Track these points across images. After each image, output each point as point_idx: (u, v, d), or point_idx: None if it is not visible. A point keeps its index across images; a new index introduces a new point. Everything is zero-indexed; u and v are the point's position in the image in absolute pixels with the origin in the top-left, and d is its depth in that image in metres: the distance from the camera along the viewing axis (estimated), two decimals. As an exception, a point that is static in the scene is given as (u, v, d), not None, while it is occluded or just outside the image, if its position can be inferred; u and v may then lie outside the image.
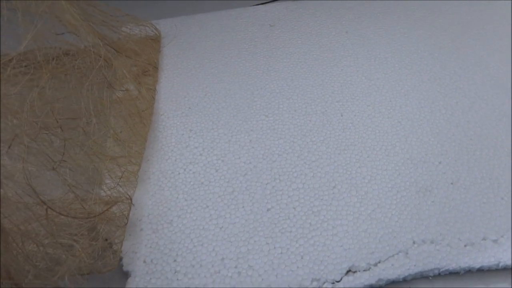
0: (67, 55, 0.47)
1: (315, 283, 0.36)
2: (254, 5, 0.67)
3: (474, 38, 0.58)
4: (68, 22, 0.45)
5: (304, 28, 0.62)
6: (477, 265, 0.37)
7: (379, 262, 0.37)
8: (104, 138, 0.45)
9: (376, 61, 0.56)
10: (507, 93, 0.51)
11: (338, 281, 0.36)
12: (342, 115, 0.49)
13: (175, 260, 0.38)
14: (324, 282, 0.36)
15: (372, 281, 0.36)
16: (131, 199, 0.41)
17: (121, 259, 0.38)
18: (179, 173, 0.44)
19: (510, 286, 0.36)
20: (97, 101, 0.44)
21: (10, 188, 0.38)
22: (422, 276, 0.37)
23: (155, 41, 0.59)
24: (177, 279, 0.36)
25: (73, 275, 0.35)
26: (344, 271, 0.37)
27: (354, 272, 0.37)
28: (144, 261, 0.38)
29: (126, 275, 0.38)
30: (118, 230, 0.39)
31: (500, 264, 0.37)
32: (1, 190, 0.35)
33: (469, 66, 0.54)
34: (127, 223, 0.40)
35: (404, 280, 0.37)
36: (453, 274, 0.37)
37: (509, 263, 0.37)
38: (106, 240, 0.38)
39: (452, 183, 0.42)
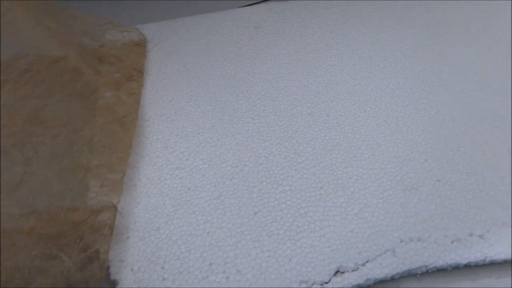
0: (28, 72, 0.46)
1: (303, 285, 0.36)
2: (239, 7, 0.67)
3: (458, 36, 0.59)
4: (25, 39, 0.44)
5: (288, 29, 0.62)
6: (464, 261, 0.37)
7: (367, 262, 0.37)
8: (86, 147, 0.44)
9: (361, 60, 0.56)
10: (490, 89, 0.51)
11: (326, 283, 0.36)
12: (328, 116, 0.49)
13: (162, 268, 0.37)
14: (313, 284, 0.36)
15: (360, 281, 0.36)
16: (116, 207, 0.41)
17: (108, 268, 0.38)
18: (165, 179, 0.44)
19: (496, 281, 0.36)
20: (73, 111, 0.44)
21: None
22: (410, 274, 0.37)
23: (140, 46, 0.59)
24: (165, 287, 0.36)
25: (60, 287, 0.35)
26: (332, 272, 0.37)
27: (342, 272, 0.37)
28: (132, 269, 0.37)
29: (113, 284, 0.37)
30: (105, 239, 0.39)
31: (487, 259, 0.37)
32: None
33: (453, 63, 0.55)
34: (112, 232, 0.39)
35: (392, 279, 0.37)
36: (441, 271, 0.37)
37: (495, 258, 0.37)
38: (93, 249, 0.38)
39: (438, 180, 0.43)
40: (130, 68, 0.54)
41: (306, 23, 0.63)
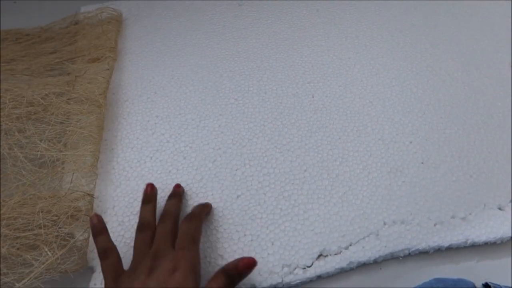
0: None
1: (286, 269, 0.35)
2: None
3: (446, 16, 0.58)
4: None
5: (274, 7, 0.60)
6: (446, 243, 0.37)
7: (350, 245, 0.37)
8: (56, 132, 0.42)
9: (348, 40, 0.55)
10: (477, 71, 0.51)
11: (309, 266, 0.36)
12: (313, 97, 0.48)
13: (142, 253, 0.36)
14: (295, 268, 0.36)
15: (343, 264, 0.36)
16: (91, 194, 0.39)
17: (86, 254, 0.37)
18: (145, 162, 0.43)
19: (477, 263, 0.37)
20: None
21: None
22: (393, 257, 0.37)
23: (115, 23, 0.56)
24: (144, 272, 0.35)
25: (42, 277, 0.34)
26: (315, 256, 0.36)
27: (325, 256, 0.36)
28: (110, 255, 0.36)
29: (91, 270, 0.36)
30: (83, 227, 0.38)
31: (468, 242, 0.37)
32: None
33: (439, 44, 0.54)
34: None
35: (375, 261, 0.37)
36: (423, 253, 0.37)
37: (477, 240, 0.37)
38: (72, 239, 0.37)
39: (422, 163, 0.42)
40: (102, 47, 0.51)
41: (292, 1, 0.61)
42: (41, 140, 0.42)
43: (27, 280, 0.33)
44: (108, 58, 0.51)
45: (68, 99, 0.46)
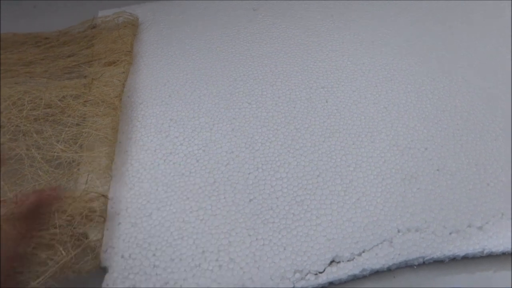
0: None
1: (297, 275, 0.35)
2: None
3: (462, 22, 0.57)
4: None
5: (288, 12, 0.60)
6: (462, 253, 0.36)
7: (363, 252, 0.36)
8: (72, 133, 0.43)
9: (362, 45, 0.54)
10: (495, 78, 0.50)
11: (321, 272, 0.35)
12: (327, 101, 0.48)
13: (154, 255, 0.36)
14: (307, 274, 0.35)
15: (356, 271, 0.35)
16: (106, 195, 0.40)
17: (98, 255, 0.37)
18: (158, 164, 0.43)
19: (494, 273, 0.36)
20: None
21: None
22: (407, 265, 0.36)
23: (131, 27, 0.57)
24: (156, 274, 0.35)
25: (56, 276, 0.34)
26: (328, 262, 0.36)
27: (338, 262, 0.36)
28: (122, 256, 0.36)
29: (104, 271, 0.36)
30: (97, 228, 0.38)
31: (485, 251, 0.36)
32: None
33: (456, 50, 0.53)
34: (104, 220, 0.38)
35: (389, 269, 0.36)
36: (438, 262, 0.37)
37: (494, 250, 0.37)
38: (86, 239, 0.37)
39: (438, 170, 0.42)
40: (118, 51, 0.52)
41: (306, 6, 0.61)
42: (58, 142, 0.42)
43: (42, 279, 0.34)
44: (124, 62, 0.52)
45: (85, 101, 0.46)
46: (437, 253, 0.36)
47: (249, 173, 0.42)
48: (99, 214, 0.39)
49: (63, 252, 0.35)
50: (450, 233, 0.37)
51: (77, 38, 0.57)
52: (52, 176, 0.41)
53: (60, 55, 0.54)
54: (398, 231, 0.37)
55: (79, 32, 0.58)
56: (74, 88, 0.48)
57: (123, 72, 0.51)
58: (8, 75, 0.50)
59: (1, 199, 0.40)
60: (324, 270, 0.35)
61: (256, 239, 0.37)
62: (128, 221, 0.39)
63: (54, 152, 0.42)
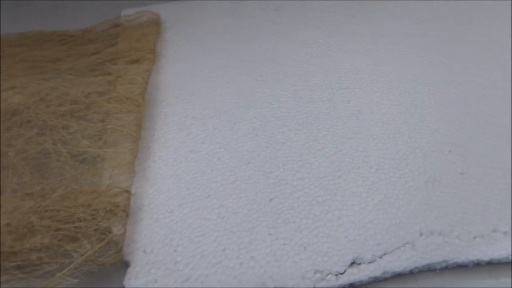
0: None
1: (318, 275, 0.35)
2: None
3: (487, 24, 0.56)
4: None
5: (309, 13, 0.60)
6: (486, 258, 0.36)
7: (385, 254, 0.36)
8: (97, 130, 0.44)
9: (384, 46, 0.54)
10: (521, 80, 0.49)
11: (342, 273, 0.35)
12: (348, 102, 0.48)
13: (175, 250, 0.37)
14: (328, 274, 0.35)
15: (377, 273, 0.35)
16: (129, 191, 0.40)
17: (121, 249, 0.38)
18: (180, 162, 0.43)
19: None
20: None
21: (9, 177, 0.37)
22: (429, 269, 0.36)
23: (154, 26, 0.58)
24: (178, 270, 0.36)
25: (81, 268, 0.35)
26: (348, 263, 0.36)
27: (359, 264, 0.36)
28: (144, 251, 0.37)
29: (126, 265, 0.37)
30: (120, 222, 0.39)
31: (511, 257, 0.36)
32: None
33: (481, 53, 0.52)
34: (127, 215, 0.39)
35: (411, 272, 0.36)
36: (462, 267, 0.36)
37: (520, 256, 0.36)
38: (110, 233, 0.38)
39: (462, 173, 0.41)
40: (142, 49, 0.53)
41: (327, 6, 0.61)
42: (83, 137, 0.43)
43: (67, 270, 0.34)
44: (148, 60, 0.53)
45: (109, 98, 0.47)
46: (461, 258, 0.35)
47: (270, 172, 0.42)
48: (123, 209, 0.39)
49: (87, 245, 0.36)
50: (475, 238, 0.37)
51: (101, 36, 0.58)
52: (77, 171, 0.41)
53: (85, 52, 0.55)
54: (421, 234, 0.37)
55: (103, 30, 0.59)
56: (99, 85, 0.49)
57: (147, 70, 0.51)
58: (35, 72, 0.51)
59: (28, 192, 0.41)
60: (345, 271, 0.35)
61: (277, 238, 0.37)
62: (150, 217, 0.39)
63: (80, 147, 0.43)
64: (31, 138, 0.43)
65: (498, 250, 0.36)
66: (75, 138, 0.43)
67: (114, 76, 0.50)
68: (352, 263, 0.36)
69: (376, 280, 0.35)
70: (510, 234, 0.37)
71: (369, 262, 0.36)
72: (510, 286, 0.35)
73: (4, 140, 0.42)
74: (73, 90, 0.47)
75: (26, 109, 0.44)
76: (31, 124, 0.44)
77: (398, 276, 0.36)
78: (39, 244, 0.36)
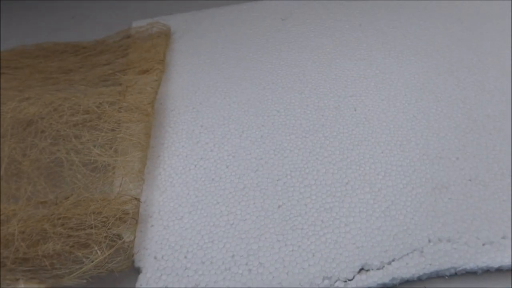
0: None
1: (326, 282, 0.35)
2: (265, -1, 0.66)
3: (493, 30, 0.56)
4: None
5: (316, 21, 0.60)
6: (496, 264, 0.35)
7: (393, 261, 0.36)
8: (108, 139, 0.45)
9: (391, 54, 0.54)
10: (529, 86, 0.49)
11: (350, 280, 0.35)
12: (355, 110, 0.48)
13: (185, 257, 0.37)
14: (336, 281, 0.35)
15: (386, 280, 0.35)
16: (138, 199, 0.41)
17: (132, 255, 0.38)
18: (190, 169, 0.44)
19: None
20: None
21: (24, 185, 0.38)
22: (438, 276, 0.36)
23: (164, 36, 0.59)
24: (188, 276, 0.36)
25: (90, 274, 0.36)
26: (357, 269, 0.36)
27: (367, 270, 0.36)
28: (155, 257, 0.38)
29: (137, 271, 0.38)
30: (130, 229, 0.39)
31: (521, 264, 0.35)
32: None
33: (487, 58, 0.52)
34: (137, 222, 0.40)
35: (419, 279, 0.36)
36: (471, 274, 0.36)
37: (530, 263, 0.36)
38: (120, 240, 0.38)
39: (470, 180, 0.41)
40: (152, 60, 0.54)
41: (334, 15, 0.62)
42: (94, 146, 0.44)
43: (76, 274, 0.35)
44: (157, 70, 0.54)
45: (120, 107, 0.48)
46: (470, 264, 0.35)
47: (278, 180, 0.42)
48: (132, 216, 0.40)
49: (98, 251, 0.37)
50: (484, 244, 0.37)
51: (112, 48, 0.59)
52: (89, 179, 0.42)
53: (97, 63, 0.57)
54: (429, 241, 0.37)
55: (114, 41, 0.61)
56: (110, 95, 0.50)
57: (156, 80, 0.52)
58: (49, 82, 0.53)
59: (42, 200, 0.42)
60: (353, 277, 0.35)
61: (285, 244, 0.38)
62: (160, 224, 0.40)
63: (91, 156, 0.44)
64: (45, 148, 0.44)
65: (507, 257, 0.36)
66: (86, 147, 0.44)
67: (124, 86, 0.51)
68: (361, 270, 0.36)
69: (384, 287, 0.36)
70: (520, 241, 0.37)
71: (378, 269, 0.36)
72: (520, 293, 0.34)
73: (19, 150, 0.43)
74: (85, 100, 0.48)
75: (40, 119, 0.46)
76: (45, 134, 0.45)
77: (407, 282, 0.36)
78: (51, 251, 0.37)
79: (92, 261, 0.36)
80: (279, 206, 0.40)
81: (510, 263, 0.36)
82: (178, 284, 0.36)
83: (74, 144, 0.45)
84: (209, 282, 0.36)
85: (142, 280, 0.37)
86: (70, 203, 0.41)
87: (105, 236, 0.38)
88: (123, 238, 0.39)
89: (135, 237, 0.39)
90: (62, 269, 0.37)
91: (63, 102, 0.48)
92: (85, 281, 0.35)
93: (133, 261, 0.38)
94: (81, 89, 0.52)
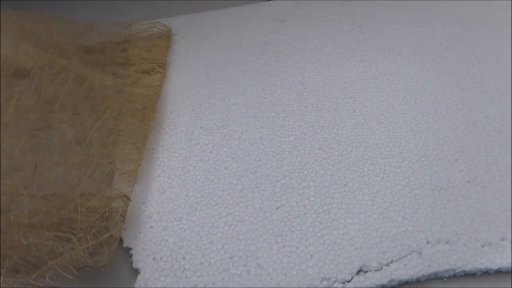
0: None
1: (324, 283, 0.35)
2: (265, 1, 0.66)
3: (493, 30, 0.56)
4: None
5: (316, 23, 0.61)
6: (495, 266, 0.35)
7: (391, 262, 0.36)
8: (101, 136, 0.45)
9: (390, 55, 0.54)
10: (528, 87, 0.49)
11: (348, 281, 0.35)
12: (354, 111, 0.48)
13: (184, 258, 0.37)
14: (334, 282, 0.35)
15: (384, 281, 0.35)
16: (128, 197, 0.41)
17: (130, 256, 0.39)
18: (189, 171, 0.44)
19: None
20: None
21: (19, 180, 0.38)
22: (436, 277, 0.36)
23: (165, 38, 0.59)
24: (186, 277, 0.36)
25: (65, 267, 0.35)
26: (355, 271, 0.36)
27: (365, 272, 0.36)
28: (154, 259, 0.38)
29: (136, 272, 0.38)
30: (115, 227, 0.39)
31: (520, 266, 0.35)
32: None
33: (487, 59, 0.52)
34: (123, 220, 0.39)
35: (418, 280, 0.36)
36: (469, 275, 0.36)
37: (529, 264, 0.35)
38: (103, 236, 0.38)
39: (469, 181, 0.41)
40: (153, 61, 0.55)
41: (333, 16, 0.62)
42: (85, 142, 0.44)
43: (53, 264, 0.34)
44: (158, 73, 0.54)
45: (124, 99, 0.48)
46: (469, 266, 0.35)
47: (276, 181, 0.42)
48: (119, 214, 0.40)
49: (79, 247, 0.36)
50: (483, 246, 0.37)
51: (113, 47, 0.60)
52: (78, 173, 0.42)
53: (98, 63, 0.57)
54: (428, 242, 0.37)
55: (115, 42, 0.61)
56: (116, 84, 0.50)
57: (159, 86, 0.53)
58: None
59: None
60: (352, 279, 0.35)
61: (283, 245, 0.38)
62: (159, 225, 0.40)
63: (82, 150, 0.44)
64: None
65: (506, 259, 0.36)
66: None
67: (126, 79, 0.51)
68: (359, 271, 0.36)
69: (382, 288, 0.36)
70: (519, 242, 0.37)
71: (376, 270, 0.36)
72: (519, 295, 0.34)
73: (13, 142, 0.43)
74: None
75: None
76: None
77: (405, 284, 0.36)
78: (33, 245, 0.36)
79: (73, 256, 0.35)
80: (277, 208, 0.40)
81: (509, 265, 0.36)
82: (176, 285, 0.36)
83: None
84: (208, 283, 0.36)
85: (140, 281, 0.37)
86: (57, 197, 0.40)
87: (89, 231, 0.37)
88: (107, 233, 0.38)
89: (120, 234, 0.39)
90: (45, 262, 0.36)
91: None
92: (71, 277, 0.35)
93: (131, 262, 0.38)
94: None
